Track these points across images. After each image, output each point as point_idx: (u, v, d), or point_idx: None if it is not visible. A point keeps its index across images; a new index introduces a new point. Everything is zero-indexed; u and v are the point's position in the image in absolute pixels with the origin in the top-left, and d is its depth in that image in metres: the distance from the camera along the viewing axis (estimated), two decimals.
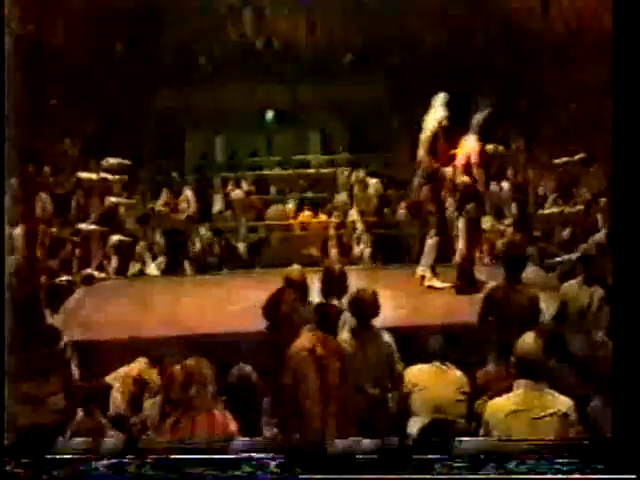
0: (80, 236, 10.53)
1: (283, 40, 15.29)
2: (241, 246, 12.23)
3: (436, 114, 8.49)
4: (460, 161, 8.42)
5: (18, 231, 8.50)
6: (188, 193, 12.49)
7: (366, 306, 5.87)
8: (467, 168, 8.40)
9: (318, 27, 15.25)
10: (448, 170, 8.50)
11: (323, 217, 12.73)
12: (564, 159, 11.06)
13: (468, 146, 8.45)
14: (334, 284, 6.34)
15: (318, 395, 5.19)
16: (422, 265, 8.69)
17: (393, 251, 11.74)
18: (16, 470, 4.03)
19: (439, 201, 8.61)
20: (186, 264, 11.31)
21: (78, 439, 4.60)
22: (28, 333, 5.63)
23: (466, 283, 8.31)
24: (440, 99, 8.56)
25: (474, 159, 8.39)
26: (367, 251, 11.66)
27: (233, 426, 4.87)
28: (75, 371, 5.79)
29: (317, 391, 5.20)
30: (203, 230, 12.02)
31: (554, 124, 12.40)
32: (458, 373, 5.72)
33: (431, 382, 5.64)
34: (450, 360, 5.77)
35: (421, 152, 8.52)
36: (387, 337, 5.89)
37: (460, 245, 8.49)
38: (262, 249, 12.22)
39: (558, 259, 9.39)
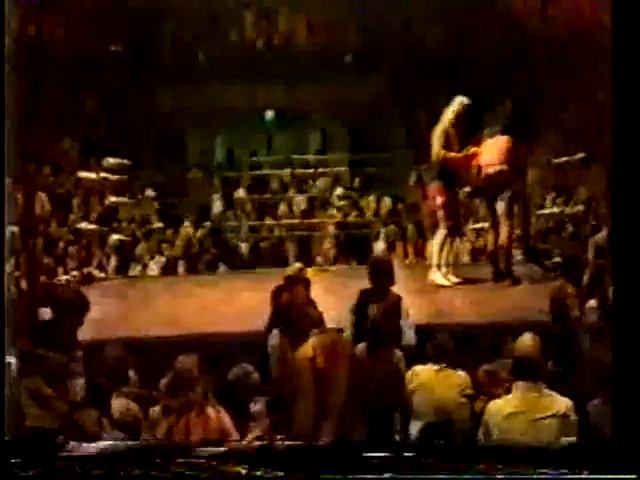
0: (80, 236, 10.53)
1: (283, 40, 15.29)
2: (242, 246, 12.23)
3: (452, 108, 8.52)
4: (491, 161, 8.43)
5: (18, 231, 8.49)
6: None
7: None
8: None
9: (318, 27, 15.24)
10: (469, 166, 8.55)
11: (323, 217, 12.75)
12: (564, 159, 11.06)
13: (501, 147, 8.49)
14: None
15: (312, 408, 5.14)
16: (432, 260, 8.73)
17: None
18: (15, 471, 4.03)
19: (451, 196, 8.60)
20: (186, 264, 11.32)
21: (79, 439, 4.60)
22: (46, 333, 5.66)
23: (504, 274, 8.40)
24: (459, 99, 8.58)
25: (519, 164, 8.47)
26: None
27: (228, 423, 4.86)
28: (80, 381, 5.77)
29: (312, 404, 5.15)
30: (202, 230, 12.03)
31: (554, 124, 12.40)
32: (462, 374, 5.68)
33: (434, 383, 5.61)
34: (453, 360, 5.74)
35: (435, 147, 8.50)
36: None
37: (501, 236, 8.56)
38: (264, 249, 12.21)
39: (558, 259, 9.39)
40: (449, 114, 8.52)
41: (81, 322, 5.94)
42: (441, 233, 8.65)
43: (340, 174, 13.98)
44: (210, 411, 4.86)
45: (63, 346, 5.75)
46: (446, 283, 8.55)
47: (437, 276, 8.59)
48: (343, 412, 5.15)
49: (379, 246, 11.47)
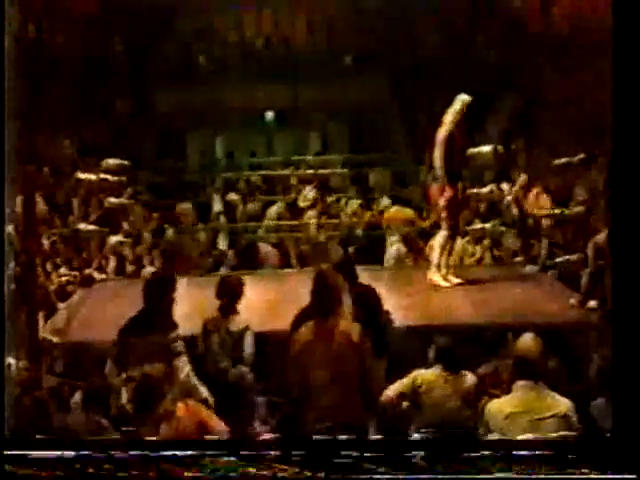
0: (79, 237, 10.52)
1: (283, 40, 15.30)
2: (243, 247, 12.21)
3: (452, 112, 8.50)
4: None
5: (17, 231, 8.49)
6: None
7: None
8: None
9: (318, 27, 15.25)
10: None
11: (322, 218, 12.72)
12: (564, 159, 11.05)
13: None
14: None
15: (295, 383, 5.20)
16: (432, 260, 8.75)
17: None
18: (14, 468, 4.04)
19: (453, 196, 8.60)
20: (185, 264, 11.30)
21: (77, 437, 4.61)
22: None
23: None
24: (461, 98, 8.56)
25: None
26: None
27: (204, 413, 4.86)
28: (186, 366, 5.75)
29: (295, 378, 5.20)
30: (202, 231, 12.01)
31: (554, 124, 12.39)
32: (465, 375, 5.65)
33: (437, 385, 5.57)
34: (453, 361, 5.72)
35: (437, 153, 8.49)
36: None
37: None
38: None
39: (558, 259, 9.39)
40: (453, 115, 8.49)
41: (172, 300, 5.90)
42: (443, 234, 8.65)
43: (340, 174, 13.96)
44: (177, 415, 4.85)
45: (159, 328, 5.72)
46: (445, 284, 8.54)
47: (436, 277, 8.59)
48: (326, 396, 5.10)
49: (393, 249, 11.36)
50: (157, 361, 5.40)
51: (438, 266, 8.63)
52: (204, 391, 5.60)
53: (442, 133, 8.48)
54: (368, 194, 13.11)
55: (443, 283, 8.55)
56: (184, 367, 5.63)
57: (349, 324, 5.24)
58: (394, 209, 11.67)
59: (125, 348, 5.62)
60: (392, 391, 5.48)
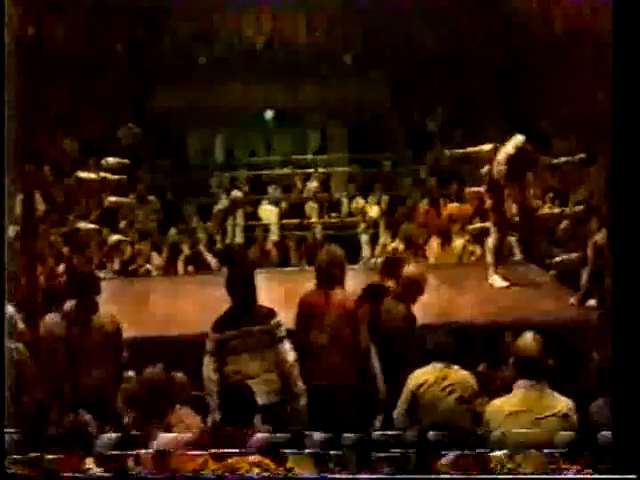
0: (79, 236, 10.53)
1: (283, 40, 15.30)
2: (243, 246, 12.22)
3: (506, 151, 8.47)
4: None
5: (17, 231, 8.50)
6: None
7: None
8: None
9: (318, 27, 15.26)
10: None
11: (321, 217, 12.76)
12: (564, 159, 11.06)
13: None
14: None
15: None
16: (488, 262, 8.77)
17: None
18: (15, 468, 4.04)
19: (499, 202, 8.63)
20: (186, 264, 11.30)
21: (75, 437, 4.61)
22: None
23: None
24: (515, 138, 8.52)
25: None
26: None
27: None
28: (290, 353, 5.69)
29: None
30: (202, 230, 12.02)
31: (554, 124, 12.40)
32: (464, 374, 5.63)
33: (435, 385, 5.55)
34: (454, 360, 5.70)
35: (497, 173, 8.49)
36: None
37: None
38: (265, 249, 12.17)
39: (558, 259, 9.40)
40: (506, 154, 8.44)
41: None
42: (494, 236, 8.70)
43: (340, 174, 13.97)
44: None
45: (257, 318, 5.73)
46: (505, 284, 8.56)
47: (495, 277, 8.60)
48: (325, 357, 5.60)
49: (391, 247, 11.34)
50: (260, 350, 5.51)
51: (495, 267, 8.65)
52: (302, 385, 5.61)
53: (496, 171, 8.49)
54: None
55: (503, 283, 8.55)
56: (290, 352, 5.62)
57: (347, 293, 5.79)
58: (454, 205, 11.89)
59: (223, 343, 5.65)
60: (400, 409, 5.50)
